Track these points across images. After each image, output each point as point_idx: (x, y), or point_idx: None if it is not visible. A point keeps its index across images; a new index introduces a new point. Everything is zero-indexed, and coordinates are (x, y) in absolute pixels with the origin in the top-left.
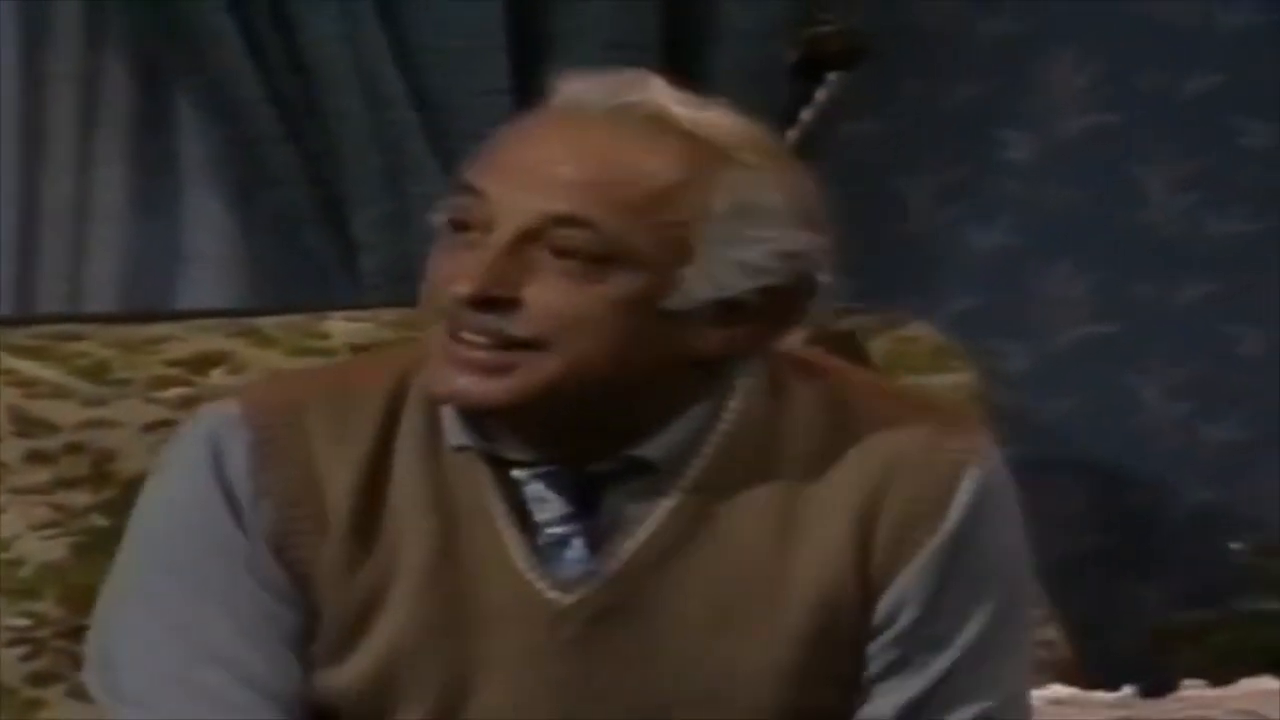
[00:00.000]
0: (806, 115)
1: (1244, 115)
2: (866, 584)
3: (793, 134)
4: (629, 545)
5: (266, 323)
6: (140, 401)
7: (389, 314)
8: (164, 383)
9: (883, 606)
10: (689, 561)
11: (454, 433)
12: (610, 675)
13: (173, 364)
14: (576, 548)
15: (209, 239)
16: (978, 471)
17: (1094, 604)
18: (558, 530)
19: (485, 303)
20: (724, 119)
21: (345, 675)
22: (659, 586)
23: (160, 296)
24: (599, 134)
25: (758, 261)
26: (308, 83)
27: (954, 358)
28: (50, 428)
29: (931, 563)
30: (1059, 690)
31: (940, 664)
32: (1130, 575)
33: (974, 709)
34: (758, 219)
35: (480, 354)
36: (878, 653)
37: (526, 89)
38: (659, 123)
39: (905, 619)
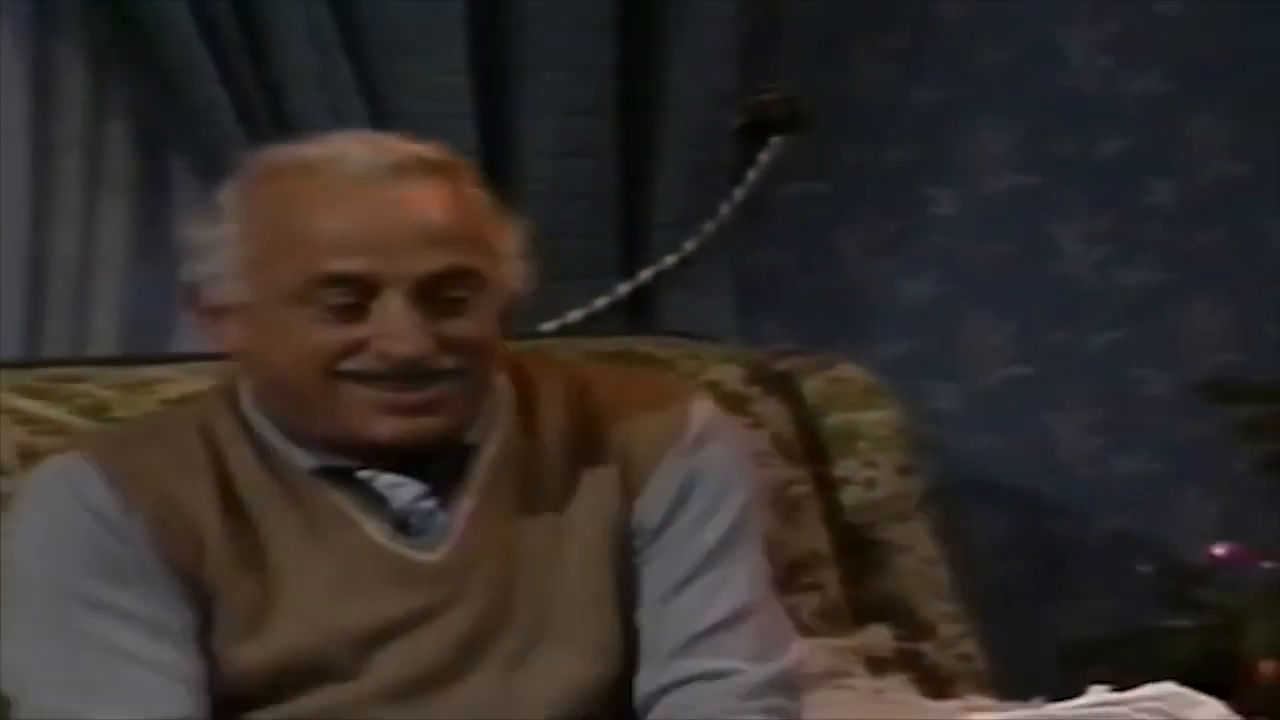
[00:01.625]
0: (751, 176)
1: (1150, 176)
2: (629, 500)
3: (739, 193)
4: (468, 503)
5: None
6: None
7: None
8: None
9: (638, 509)
10: (513, 508)
11: (302, 456)
12: (482, 603)
13: (166, 404)
14: (437, 517)
15: None
16: (704, 405)
17: (1014, 623)
18: (421, 506)
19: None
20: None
21: (254, 656)
22: (498, 529)
23: (157, 342)
24: (422, 188)
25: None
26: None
27: (881, 396)
28: None
29: (675, 469)
30: (975, 700)
31: (692, 554)
32: (1048, 596)
33: (731, 601)
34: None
35: (416, 395)
36: (640, 548)
37: (492, 152)
38: (431, 166)
39: (657, 517)
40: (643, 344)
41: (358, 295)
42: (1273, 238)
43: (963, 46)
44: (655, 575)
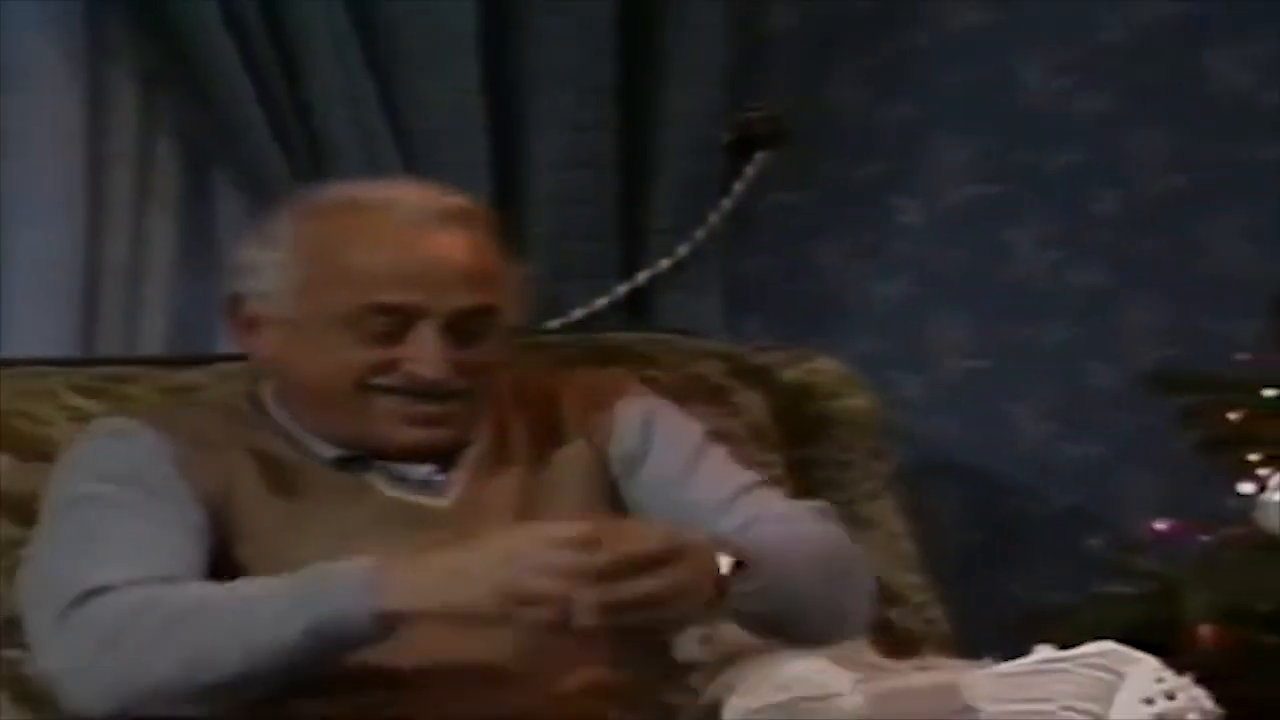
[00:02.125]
0: (738, 188)
1: (1098, 186)
2: (601, 446)
3: (726, 203)
4: (462, 473)
5: None
6: None
7: None
8: None
9: (613, 447)
10: (499, 469)
11: (323, 448)
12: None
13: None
14: (442, 479)
15: None
16: (636, 380)
17: (974, 591)
18: (434, 479)
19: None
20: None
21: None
22: (494, 488)
23: (202, 343)
24: (458, 234)
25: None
26: (321, 161)
27: (853, 385)
28: None
29: (630, 410)
30: (934, 660)
31: (681, 455)
32: (1005, 566)
33: (737, 478)
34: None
35: (433, 409)
36: (628, 471)
37: (502, 164)
38: (466, 216)
39: (632, 444)
40: (638, 340)
41: (398, 324)
42: (1208, 243)
43: (928, 70)
44: (655, 481)
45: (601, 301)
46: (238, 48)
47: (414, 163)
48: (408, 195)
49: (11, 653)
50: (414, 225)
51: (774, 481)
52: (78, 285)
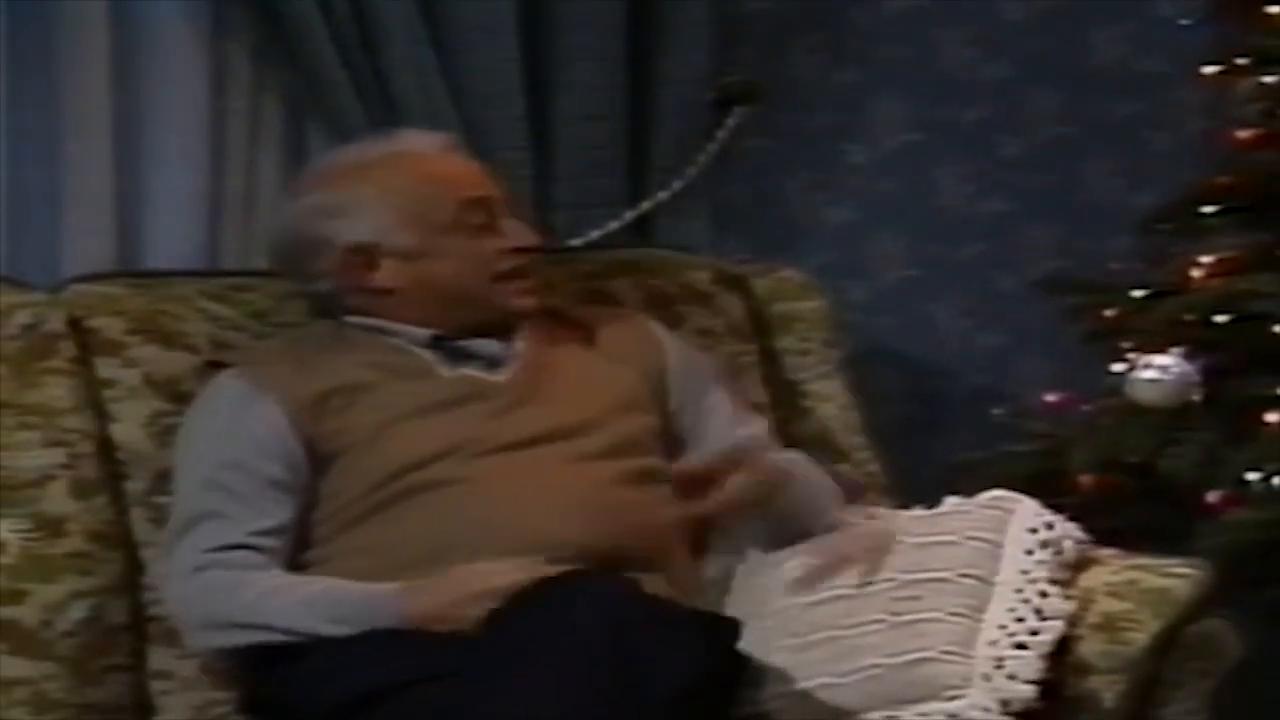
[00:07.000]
0: (720, 136)
1: (1004, 135)
2: (655, 378)
3: (711, 148)
4: (518, 352)
5: None
6: None
7: None
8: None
9: (668, 358)
10: (551, 358)
11: (419, 336)
12: (537, 412)
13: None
14: (505, 359)
15: None
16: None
17: (906, 452)
18: (496, 355)
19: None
20: None
21: (379, 458)
22: (542, 367)
23: None
24: (466, 158)
25: None
26: (392, 115)
27: (812, 290)
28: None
29: (675, 356)
30: (875, 509)
31: (710, 391)
32: (929, 432)
33: (752, 426)
34: None
35: (530, 282)
36: (678, 406)
37: (536, 118)
38: (460, 148)
39: (679, 364)
40: (642, 255)
41: (486, 215)
42: (1088, 179)
43: (869, 44)
44: (710, 414)
45: (614, 225)
46: (326, 25)
47: (465, 118)
48: (422, 140)
49: (162, 499)
50: (442, 153)
51: (744, 366)
52: (204, 212)
